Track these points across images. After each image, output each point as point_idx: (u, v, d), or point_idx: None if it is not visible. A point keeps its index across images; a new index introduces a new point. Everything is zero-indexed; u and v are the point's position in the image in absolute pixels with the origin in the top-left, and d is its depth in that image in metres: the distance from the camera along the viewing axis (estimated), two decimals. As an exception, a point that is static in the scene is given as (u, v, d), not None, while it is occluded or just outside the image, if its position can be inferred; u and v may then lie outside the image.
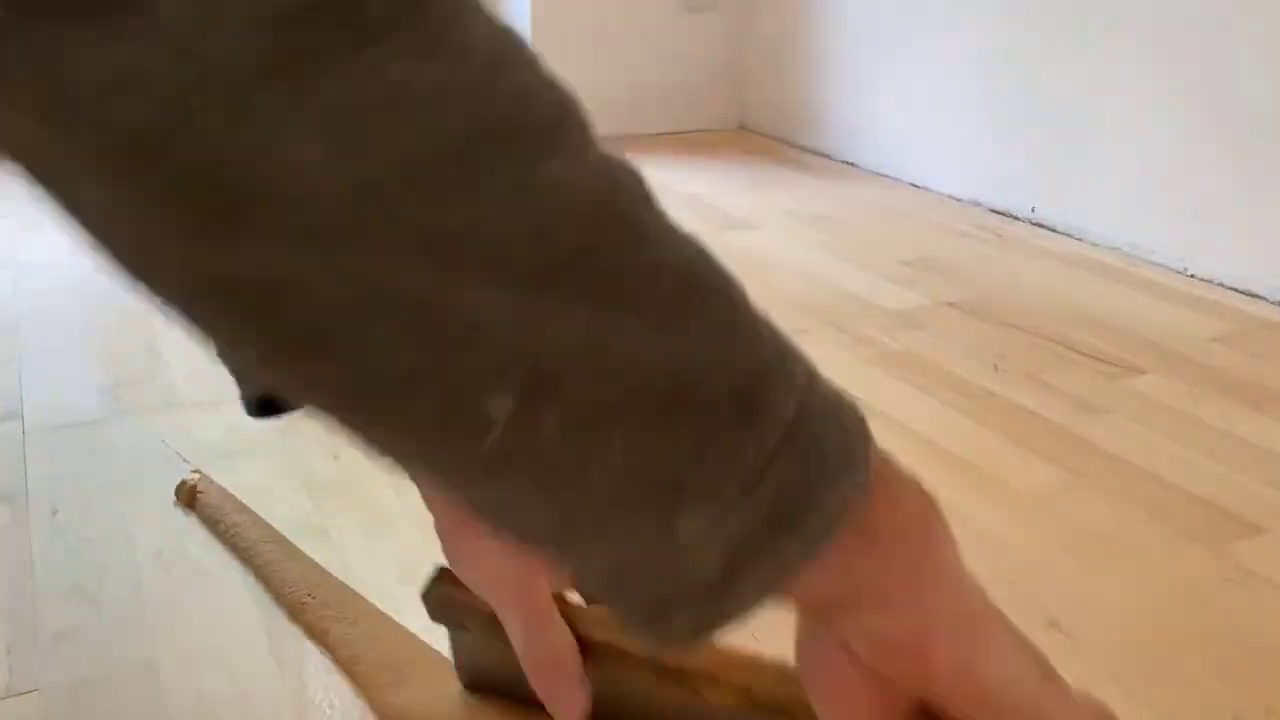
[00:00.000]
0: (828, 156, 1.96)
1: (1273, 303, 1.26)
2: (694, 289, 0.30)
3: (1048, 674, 0.37)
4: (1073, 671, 0.66)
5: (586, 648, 0.49)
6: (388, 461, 0.29)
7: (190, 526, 0.77)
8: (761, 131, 2.15)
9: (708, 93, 2.15)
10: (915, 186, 1.77)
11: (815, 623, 0.35)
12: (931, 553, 0.36)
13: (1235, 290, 1.30)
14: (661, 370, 0.28)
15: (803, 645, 0.36)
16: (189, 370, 1.03)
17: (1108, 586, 0.73)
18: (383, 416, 0.28)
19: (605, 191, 0.28)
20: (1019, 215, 1.59)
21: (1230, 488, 0.86)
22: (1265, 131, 1.25)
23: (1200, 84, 1.32)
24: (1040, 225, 1.56)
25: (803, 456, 0.30)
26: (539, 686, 0.49)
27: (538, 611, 0.49)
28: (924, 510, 0.36)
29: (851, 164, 1.91)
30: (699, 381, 0.29)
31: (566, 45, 2.00)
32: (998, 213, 1.62)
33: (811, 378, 0.31)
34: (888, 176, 1.83)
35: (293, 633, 0.67)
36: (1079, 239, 1.50)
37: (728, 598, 0.31)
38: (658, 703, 0.48)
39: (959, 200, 1.69)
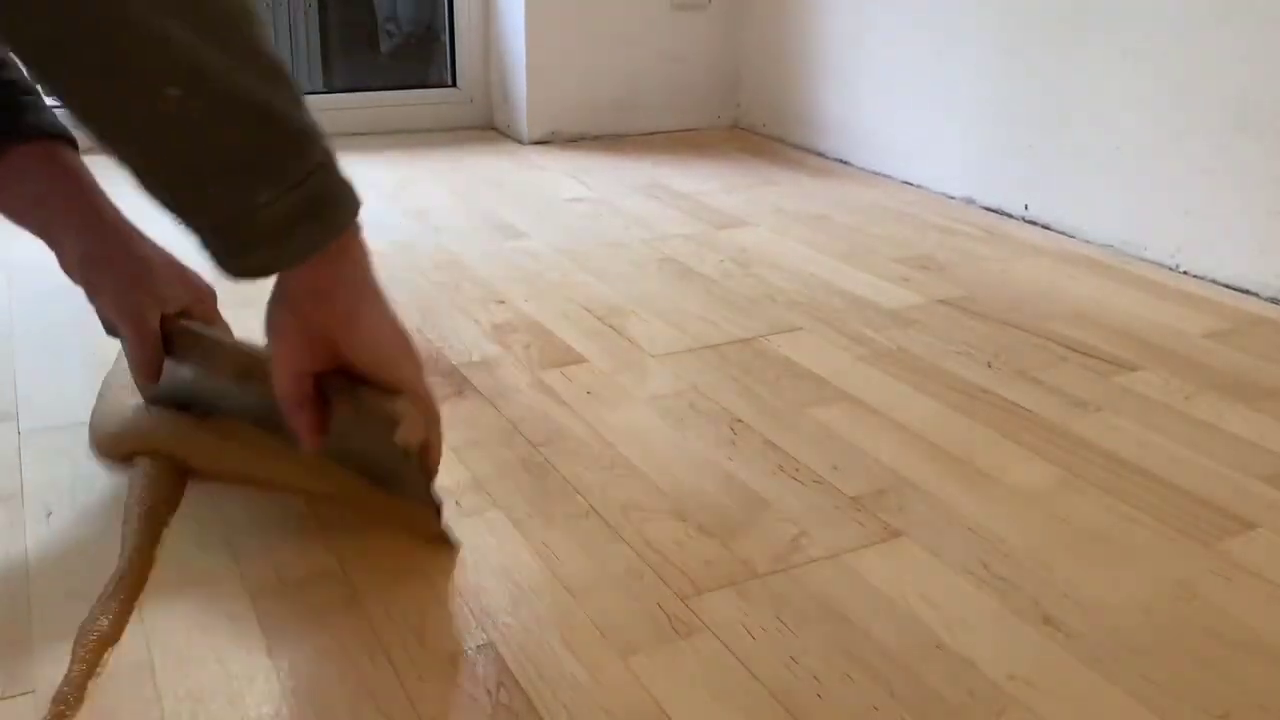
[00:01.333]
0: (821, 155, 1.96)
1: (1265, 299, 1.27)
2: (280, 78, 0.61)
3: (408, 343, 0.72)
4: (1068, 667, 0.67)
5: (176, 349, 0.82)
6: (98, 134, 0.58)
7: (187, 526, 0.77)
8: (755, 130, 2.15)
9: (701, 91, 2.15)
10: (909, 184, 1.77)
11: (279, 294, 0.68)
12: (362, 271, 0.69)
13: (1228, 287, 1.31)
14: (264, 105, 0.59)
15: (269, 310, 0.69)
16: (183, 371, 1.03)
17: (1101, 583, 0.73)
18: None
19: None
20: (1012, 213, 1.60)
21: (1223, 484, 0.86)
22: (1257, 128, 1.26)
23: (1193, 81, 1.32)
24: (1033, 223, 1.56)
25: (330, 180, 0.64)
26: (137, 360, 0.81)
27: (142, 326, 0.81)
28: (364, 250, 0.69)
29: (845, 162, 1.91)
30: (285, 118, 0.61)
31: (561, 44, 2.00)
32: (991, 210, 1.63)
33: (332, 153, 0.64)
34: (881, 174, 1.83)
35: (290, 632, 0.67)
36: (1072, 236, 1.50)
37: (278, 251, 0.63)
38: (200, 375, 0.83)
39: (952, 198, 1.69)
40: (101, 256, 0.82)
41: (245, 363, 0.78)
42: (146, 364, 0.81)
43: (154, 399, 0.87)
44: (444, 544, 0.75)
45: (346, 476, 0.78)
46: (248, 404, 0.81)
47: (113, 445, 0.85)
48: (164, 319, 0.81)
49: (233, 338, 0.84)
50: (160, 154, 0.60)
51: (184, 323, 0.82)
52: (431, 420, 0.72)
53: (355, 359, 0.69)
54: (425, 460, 0.73)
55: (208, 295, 0.86)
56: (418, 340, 0.73)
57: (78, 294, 1.20)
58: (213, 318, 0.86)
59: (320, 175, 0.62)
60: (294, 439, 0.72)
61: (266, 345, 0.70)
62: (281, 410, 0.71)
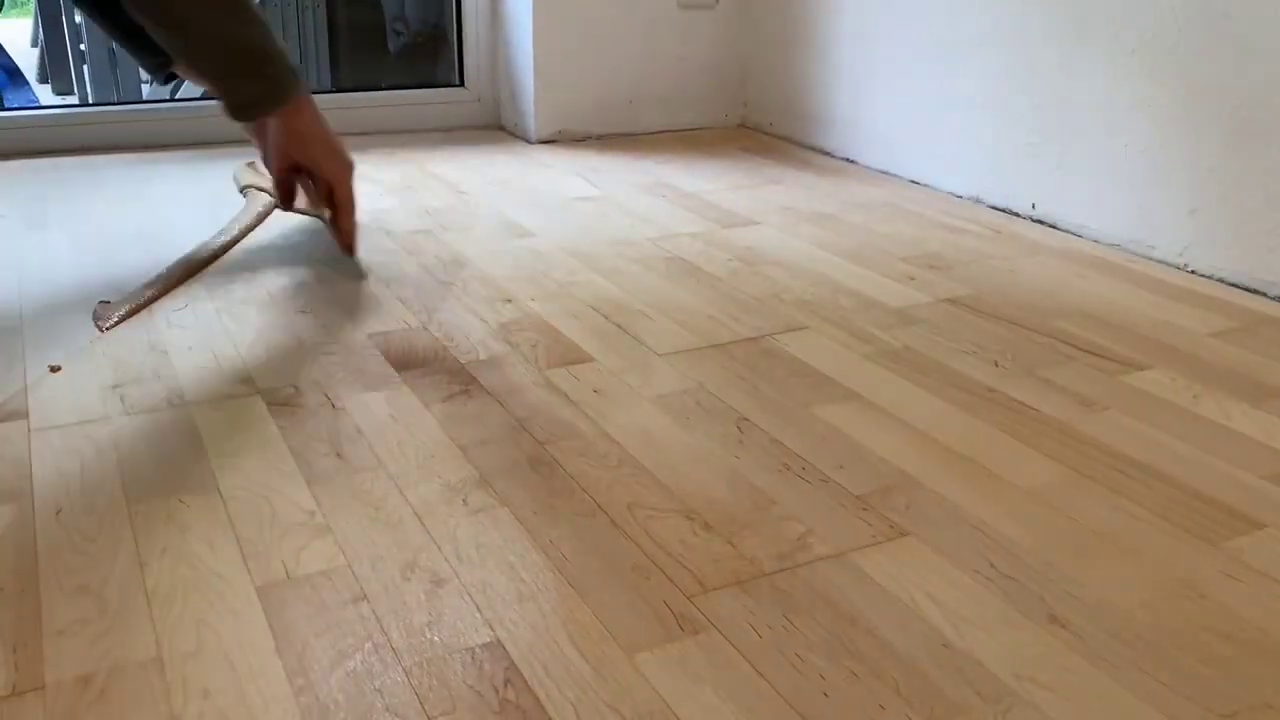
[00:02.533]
0: (828, 154, 1.96)
1: (1273, 298, 1.26)
2: (259, 25, 1.21)
3: (336, 148, 1.30)
4: (1074, 666, 0.67)
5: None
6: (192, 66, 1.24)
7: (195, 523, 0.78)
8: (762, 129, 2.15)
9: (708, 90, 2.15)
10: (915, 183, 1.77)
11: (272, 133, 1.27)
12: (313, 120, 1.27)
13: (1235, 286, 1.30)
14: (248, 38, 1.21)
15: (268, 143, 1.30)
16: (192, 368, 1.03)
17: (1108, 582, 0.73)
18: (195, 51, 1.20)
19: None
20: (1019, 212, 1.59)
21: (1230, 483, 0.86)
22: (1264, 127, 1.25)
23: (1200, 79, 1.32)
24: (1040, 222, 1.56)
25: (285, 75, 1.23)
26: (280, 187, 1.32)
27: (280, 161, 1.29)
28: (313, 108, 1.28)
29: (852, 161, 1.91)
30: (263, 48, 1.22)
31: (568, 43, 2.00)
32: (998, 209, 1.63)
33: (286, 58, 1.24)
34: (888, 173, 1.83)
35: (298, 629, 0.67)
36: (1079, 235, 1.50)
37: (252, 111, 1.26)
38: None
39: (959, 197, 1.69)
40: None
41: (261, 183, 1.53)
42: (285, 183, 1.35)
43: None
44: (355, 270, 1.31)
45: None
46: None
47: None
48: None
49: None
50: (189, 60, 1.24)
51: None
52: (344, 187, 1.29)
53: (305, 160, 1.28)
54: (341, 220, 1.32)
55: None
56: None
57: (87, 293, 1.21)
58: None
59: (274, 76, 1.22)
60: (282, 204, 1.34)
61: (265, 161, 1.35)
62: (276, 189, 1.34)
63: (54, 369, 1.02)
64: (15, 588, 0.70)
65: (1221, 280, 1.32)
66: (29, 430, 0.91)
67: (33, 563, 0.73)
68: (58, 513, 0.79)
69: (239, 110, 1.23)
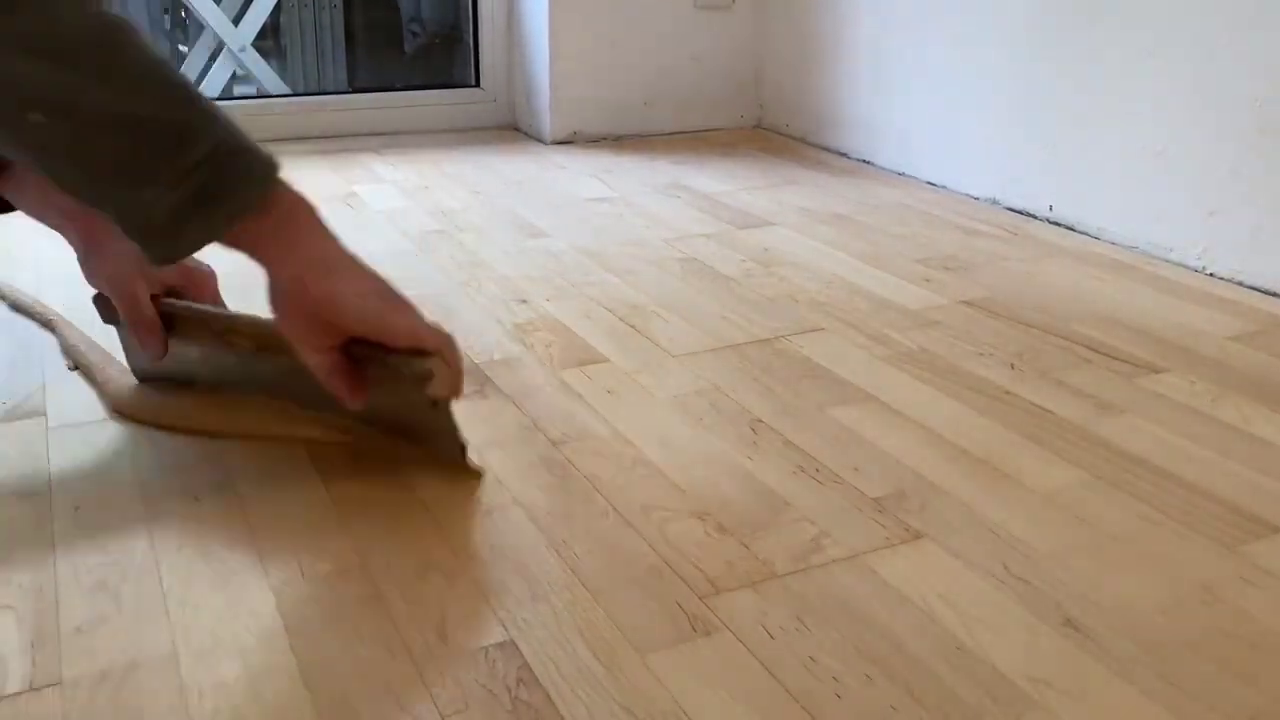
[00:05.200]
0: (844, 155, 1.96)
1: (1292, 301, 1.26)
2: (148, 85, 0.67)
3: (391, 296, 0.75)
4: (1089, 670, 0.66)
5: (169, 322, 0.88)
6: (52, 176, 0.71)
7: (211, 521, 0.78)
8: (778, 130, 2.15)
9: (724, 91, 2.15)
10: (932, 185, 1.77)
11: (268, 286, 0.74)
12: (303, 227, 0.73)
13: (1254, 289, 1.29)
14: (127, 116, 0.65)
15: (270, 297, 0.75)
16: (208, 368, 1.04)
17: (1124, 586, 0.73)
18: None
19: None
20: (1036, 214, 1.59)
21: (1248, 487, 0.85)
22: (1285, 129, 1.25)
23: (1218, 81, 1.31)
24: (1058, 224, 1.55)
25: (218, 172, 0.67)
26: (139, 338, 0.88)
27: (136, 304, 0.87)
28: (299, 206, 0.73)
29: (868, 162, 1.91)
30: (154, 122, 0.66)
31: (584, 44, 2.01)
32: (1015, 211, 1.62)
33: (231, 131, 0.69)
34: (904, 175, 1.83)
35: (313, 628, 0.67)
36: (1096, 238, 1.49)
37: (175, 241, 0.69)
38: (209, 352, 0.89)
39: (976, 199, 1.68)
40: (95, 243, 0.88)
41: (264, 334, 0.82)
42: (153, 343, 0.88)
43: (146, 377, 0.96)
44: (470, 474, 0.84)
45: (364, 429, 0.87)
46: (263, 375, 0.87)
47: (129, 412, 0.93)
48: (154, 298, 0.88)
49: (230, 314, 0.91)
50: (48, 166, 0.68)
51: (185, 303, 0.90)
52: (451, 357, 0.77)
53: (352, 330, 0.74)
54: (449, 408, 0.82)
55: (203, 276, 0.92)
56: (396, 286, 0.78)
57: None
58: (209, 298, 0.92)
59: (206, 169, 0.67)
60: (330, 401, 0.79)
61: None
62: (314, 375, 0.77)
63: (72, 367, 1.03)
64: (33, 584, 0.71)
65: (1240, 283, 1.31)
66: (47, 428, 0.92)
67: (51, 560, 0.74)
68: (75, 510, 0.80)
69: (174, 234, 0.69)
